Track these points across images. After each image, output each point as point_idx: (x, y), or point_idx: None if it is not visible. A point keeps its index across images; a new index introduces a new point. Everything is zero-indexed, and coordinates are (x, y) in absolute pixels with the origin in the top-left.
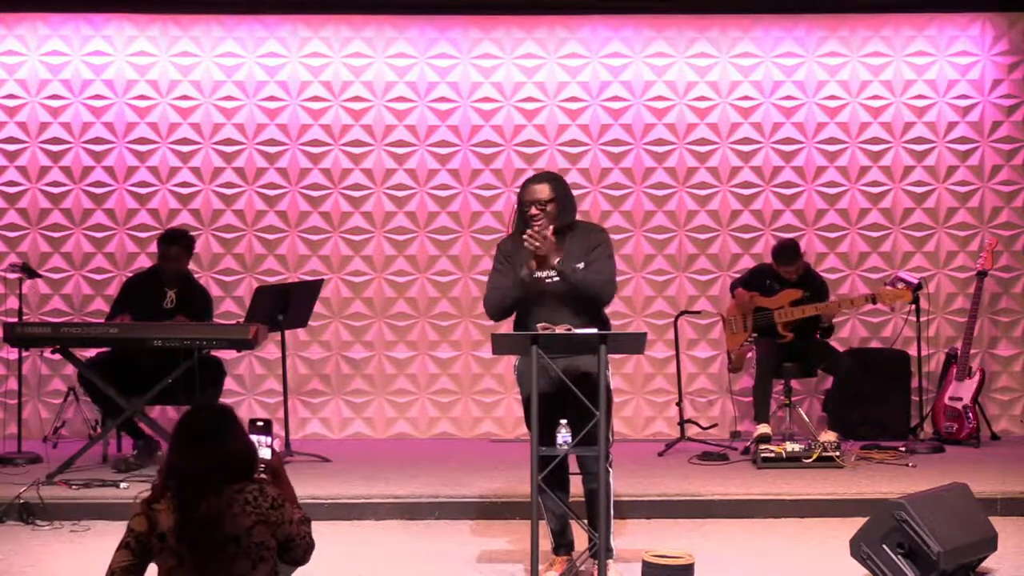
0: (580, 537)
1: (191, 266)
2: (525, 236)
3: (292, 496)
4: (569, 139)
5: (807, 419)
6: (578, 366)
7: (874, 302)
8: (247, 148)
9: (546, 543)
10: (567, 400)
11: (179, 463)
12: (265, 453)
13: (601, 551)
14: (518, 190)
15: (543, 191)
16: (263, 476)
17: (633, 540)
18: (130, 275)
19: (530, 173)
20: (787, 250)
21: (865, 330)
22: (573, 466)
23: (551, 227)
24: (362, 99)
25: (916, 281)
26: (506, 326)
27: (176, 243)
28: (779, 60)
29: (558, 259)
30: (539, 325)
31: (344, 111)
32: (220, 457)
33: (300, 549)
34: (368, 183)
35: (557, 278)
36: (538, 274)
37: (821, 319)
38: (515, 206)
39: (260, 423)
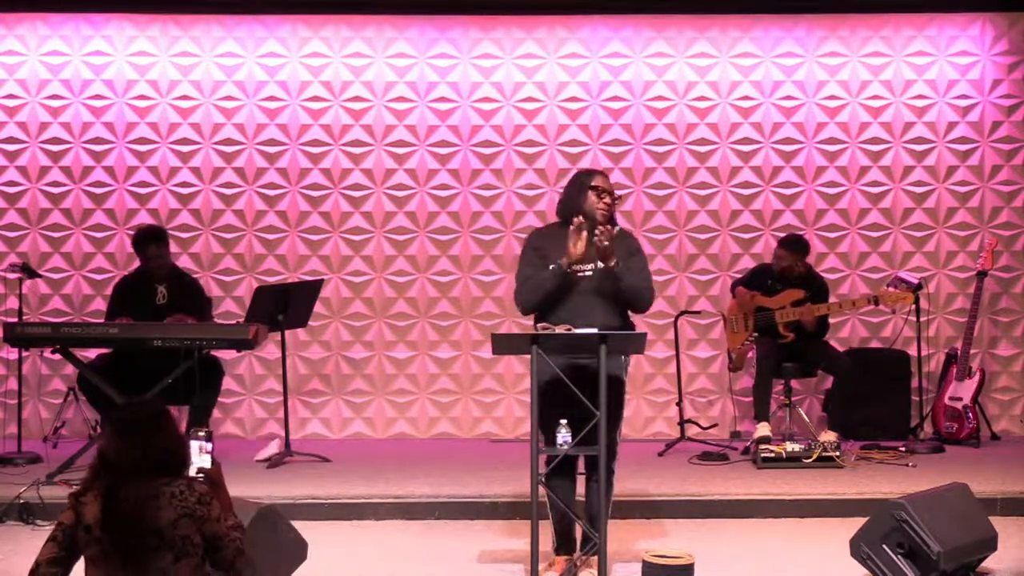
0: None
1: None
2: (598, 232)
3: (228, 505)
4: (569, 139)
5: (807, 419)
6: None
7: (876, 303)
8: (247, 148)
9: (546, 542)
10: (586, 398)
11: (109, 452)
12: (205, 461)
13: (602, 551)
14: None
15: (612, 186)
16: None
17: (633, 540)
18: (121, 276)
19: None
20: (798, 239)
21: (865, 330)
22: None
23: (616, 228)
24: (362, 99)
25: (916, 281)
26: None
27: (154, 241)
28: (779, 60)
29: (615, 260)
30: (539, 325)
31: (344, 111)
32: (150, 448)
33: (228, 551)
34: (368, 183)
35: (590, 273)
36: (574, 267)
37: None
38: (568, 195)
39: (202, 432)
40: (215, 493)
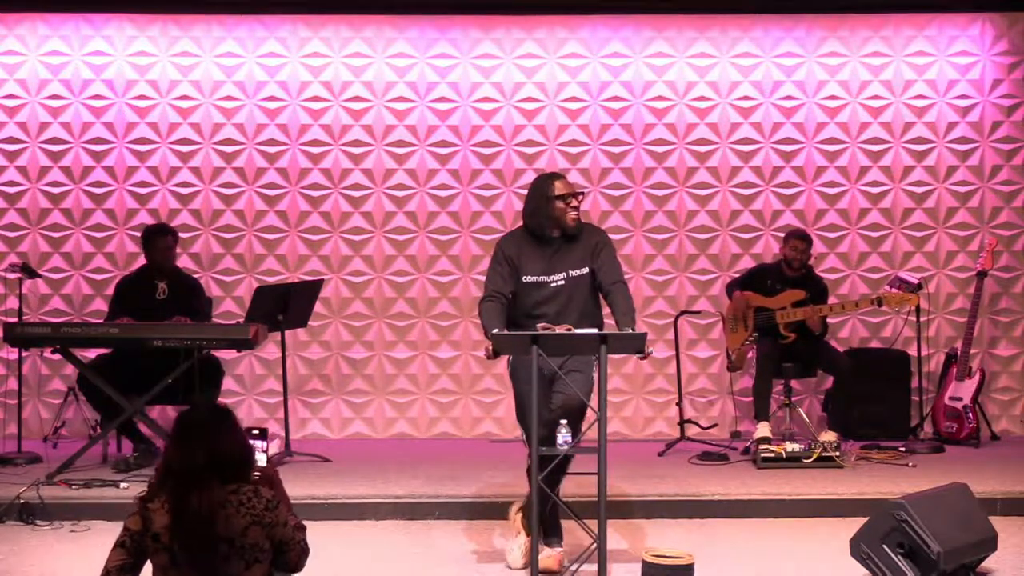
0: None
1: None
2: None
3: (287, 504)
4: (569, 139)
5: (807, 419)
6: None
7: (880, 304)
8: (247, 148)
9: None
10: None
11: (174, 458)
12: (260, 459)
13: (602, 551)
14: (525, 189)
15: (572, 187)
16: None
17: (633, 540)
18: (122, 276)
19: (531, 173)
20: (803, 232)
21: (865, 330)
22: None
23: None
24: (362, 99)
25: (916, 281)
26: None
27: (166, 235)
28: (779, 60)
29: (627, 328)
30: (540, 325)
31: (344, 111)
32: (214, 453)
33: (294, 554)
34: (368, 183)
35: (562, 282)
36: (543, 278)
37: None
38: (534, 208)
39: (256, 431)
40: (274, 492)
